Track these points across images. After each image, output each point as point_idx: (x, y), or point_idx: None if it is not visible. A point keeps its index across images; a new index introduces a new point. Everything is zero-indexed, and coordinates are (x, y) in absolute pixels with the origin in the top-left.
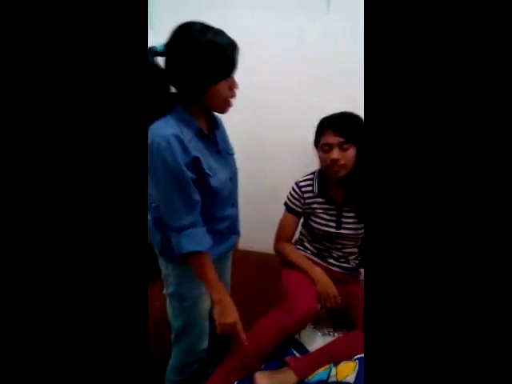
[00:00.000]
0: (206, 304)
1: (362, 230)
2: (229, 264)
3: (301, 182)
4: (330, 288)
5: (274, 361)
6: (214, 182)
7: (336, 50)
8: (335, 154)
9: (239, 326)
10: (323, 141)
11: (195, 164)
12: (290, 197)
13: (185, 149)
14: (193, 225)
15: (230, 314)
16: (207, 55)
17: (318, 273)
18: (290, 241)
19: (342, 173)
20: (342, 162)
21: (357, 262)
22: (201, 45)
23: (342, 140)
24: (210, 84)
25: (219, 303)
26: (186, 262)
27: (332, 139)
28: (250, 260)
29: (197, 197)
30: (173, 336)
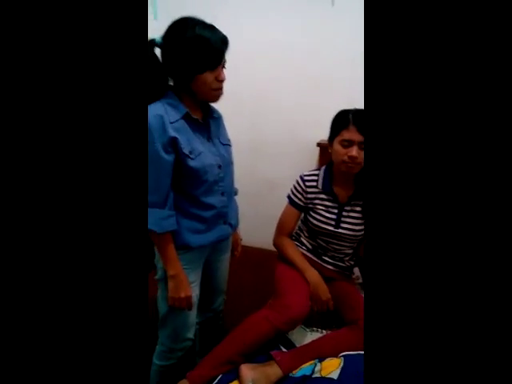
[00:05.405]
0: (193, 293)
1: (360, 232)
2: (225, 257)
3: (305, 175)
4: (323, 292)
5: (260, 355)
6: (194, 163)
7: (339, 48)
8: (355, 151)
9: (191, 301)
10: (346, 136)
11: (173, 143)
12: (293, 189)
13: (164, 129)
14: (156, 204)
15: (183, 289)
16: (194, 47)
17: (313, 276)
18: (290, 234)
19: (356, 170)
20: (359, 160)
21: (352, 262)
22: (189, 38)
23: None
24: (197, 74)
25: (174, 278)
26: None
27: (356, 136)
28: (245, 255)
29: (167, 178)
30: (159, 321)
